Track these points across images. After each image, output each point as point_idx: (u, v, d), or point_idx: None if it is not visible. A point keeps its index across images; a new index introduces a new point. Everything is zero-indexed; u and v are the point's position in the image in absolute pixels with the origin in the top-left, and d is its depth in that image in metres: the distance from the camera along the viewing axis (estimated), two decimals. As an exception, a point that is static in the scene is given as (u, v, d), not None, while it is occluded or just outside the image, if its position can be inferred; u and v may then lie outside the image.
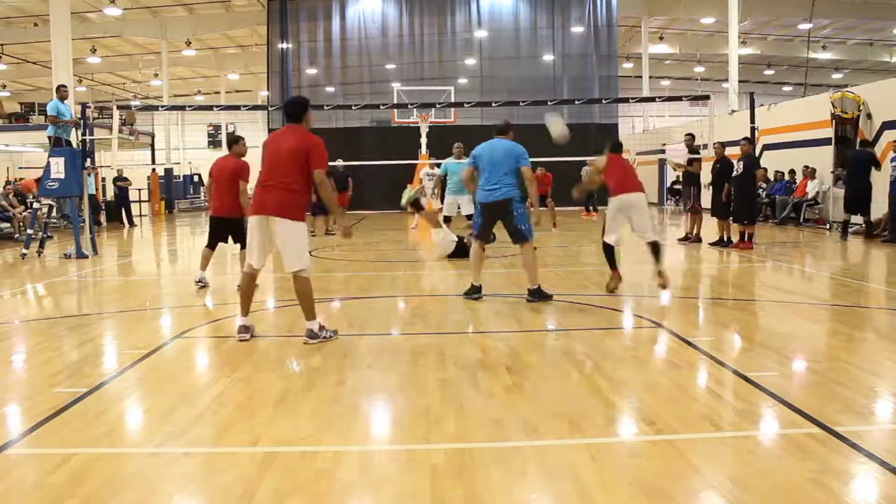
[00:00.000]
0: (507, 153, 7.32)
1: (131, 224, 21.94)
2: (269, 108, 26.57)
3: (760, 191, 15.74)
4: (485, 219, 7.49)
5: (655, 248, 7.70)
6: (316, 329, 5.66)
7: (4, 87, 37.14)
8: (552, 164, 16.90)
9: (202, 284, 8.42)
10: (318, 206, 16.24)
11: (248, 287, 5.87)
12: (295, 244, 5.62)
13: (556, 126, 8.26)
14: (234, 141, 8.37)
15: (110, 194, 24.51)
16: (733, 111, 21.29)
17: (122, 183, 22.17)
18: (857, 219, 13.84)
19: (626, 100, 19.20)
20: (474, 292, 7.52)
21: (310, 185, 5.64)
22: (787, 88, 39.60)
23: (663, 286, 7.60)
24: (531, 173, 7.45)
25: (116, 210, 22.31)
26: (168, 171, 28.83)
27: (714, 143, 12.73)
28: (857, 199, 13.27)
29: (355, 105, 21.34)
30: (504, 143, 7.43)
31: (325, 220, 16.44)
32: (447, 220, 12.96)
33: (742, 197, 11.90)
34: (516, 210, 7.26)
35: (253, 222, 5.71)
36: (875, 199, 13.39)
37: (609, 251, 7.84)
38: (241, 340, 5.72)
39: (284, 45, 27.71)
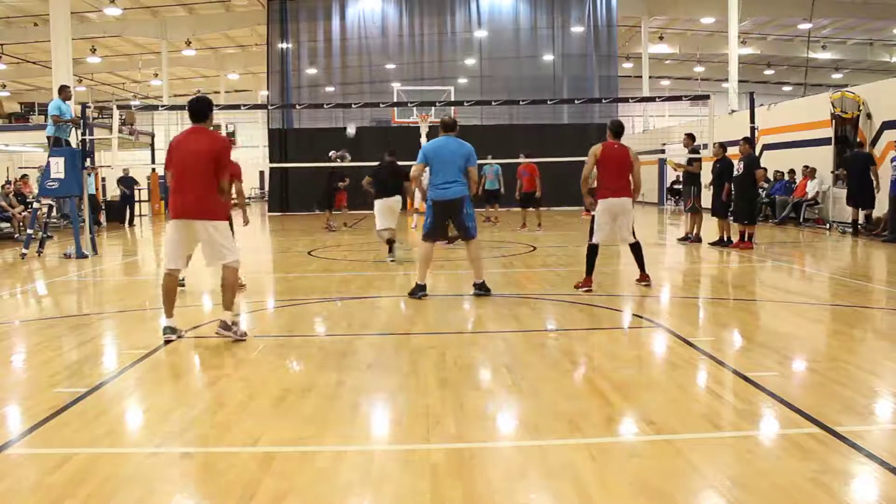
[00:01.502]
0: (458, 152, 7.48)
1: (131, 224, 21.93)
2: (269, 108, 26.67)
3: (761, 191, 15.75)
4: (438, 216, 7.61)
5: (637, 250, 8.07)
6: (229, 321, 5.73)
7: (4, 87, 37.15)
8: (552, 164, 16.89)
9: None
10: (326, 202, 16.62)
11: (172, 288, 5.87)
12: (220, 241, 5.75)
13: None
14: None
15: (111, 194, 24.53)
16: (733, 111, 21.29)
17: (122, 186, 22.20)
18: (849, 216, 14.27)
19: (625, 100, 19.16)
20: (419, 291, 7.58)
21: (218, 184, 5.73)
22: (787, 88, 39.59)
23: (647, 286, 8.02)
24: (476, 174, 7.72)
25: (121, 209, 22.25)
26: (168, 171, 28.80)
27: (714, 144, 12.74)
28: (860, 195, 13.71)
29: (355, 104, 21.33)
30: (456, 141, 7.58)
31: (329, 216, 16.75)
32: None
33: (742, 197, 11.91)
34: (467, 208, 7.52)
35: (176, 226, 5.76)
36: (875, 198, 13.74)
37: (592, 254, 7.92)
38: (167, 342, 5.72)
39: (284, 45, 27.70)
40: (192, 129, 5.83)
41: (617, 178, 7.82)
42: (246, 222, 8.53)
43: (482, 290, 7.64)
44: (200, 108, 5.82)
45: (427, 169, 7.64)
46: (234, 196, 7.99)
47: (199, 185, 5.65)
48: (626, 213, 7.93)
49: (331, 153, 16.79)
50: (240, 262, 5.90)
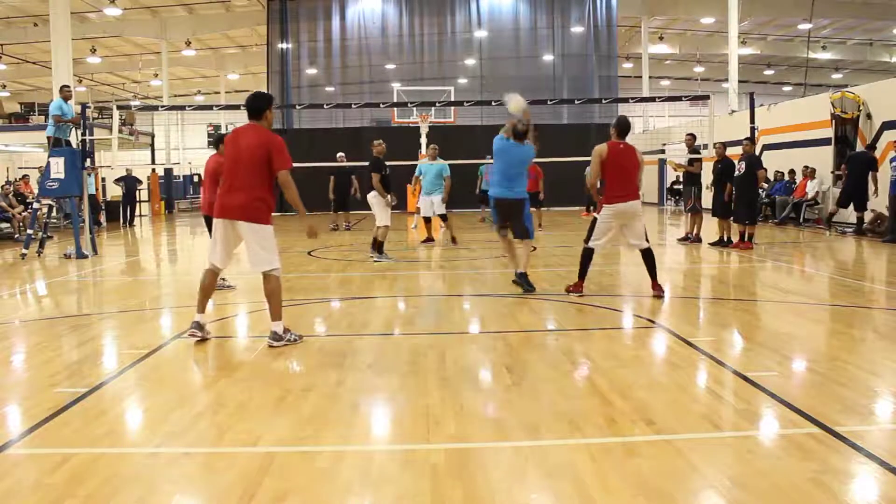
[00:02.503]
0: (527, 159, 7.84)
1: (131, 224, 21.94)
2: (269, 108, 26.65)
3: (761, 191, 15.77)
4: (499, 213, 7.95)
5: (649, 257, 7.53)
6: (280, 331, 5.56)
7: (4, 87, 37.14)
8: (552, 165, 16.87)
9: (224, 285, 8.31)
10: (338, 202, 16.57)
11: (209, 284, 5.76)
12: (261, 246, 5.49)
13: (514, 103, 8.06)
14: (222, 140, 8.29)
15: (111, 194, 24.53)
16: (733, 111, 21.29)
17: (118, 184, 22.21)
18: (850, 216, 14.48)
19: (625, 100, 19.14)
20: (523, 281, 7.83)
21: (272, 185, 5.54)
22: (787, 88, 39.61)
23: (659, 296, 7.41)
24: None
25: (123, 208, 22.25)
26: (168, 171, 28.83)
27: (715, 144, 12.74)
28: (855, 196, 13.87)
29: (355, 104, 21.34)
30: (527, 149, 7.85)
31: (347, 216, 16.77)
32: (427, 220, 13.26)
33: (743, 197, 11.90)
34: (525, 209, 7.87)
35: (217, 225, 5.61)
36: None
37: (587, 258, 7.58)
38: (191, 336, 5.66)
39: (284, 45, 27.71)
40: (248, 125, 5.68)
41: (625, 181, 7.34)
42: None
43: (523, 279, 7.78)
44: (256, 106, 5.65)
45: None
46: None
47: (246, 183, 5.45)
48: (636, 217, 7.47)
49: (338, 154, 16.73)
50: (280, 269, 5.62)
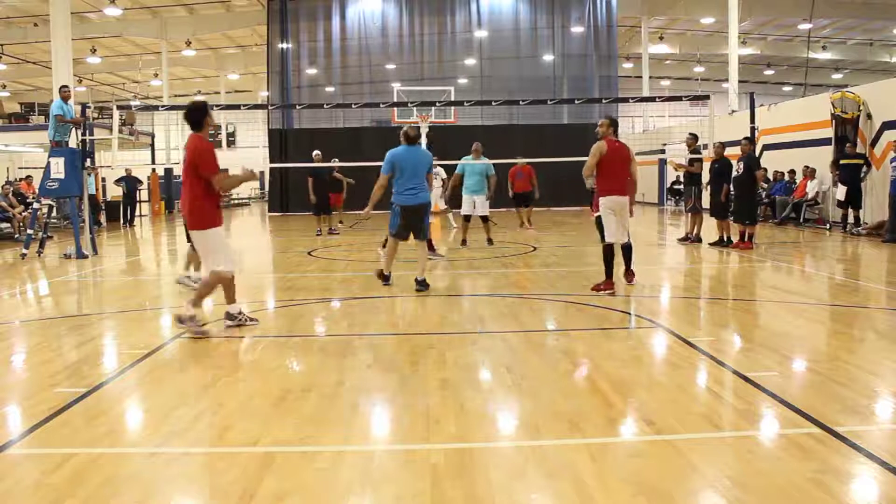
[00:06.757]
0: (425, 161, 8.17)
1: (131, 224, 21.94)
2: (269, 108, 26.67)
3: (761, 191, 15.76)
4: (405, 220, 8.20)
5: (628, 250, 8.12)
6: (187, 315, 5.94)
7: (4, 87, 37.15)
8: (552, 165, 16.88)
9: (187, 283, 8.23)
10: (321, 206, 16.09)
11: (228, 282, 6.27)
12: (204, 251, 6.02)
13: None
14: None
15: (111, 194, 24.54)
16: (733, 111, 21.29)
17: (118, 184, 22.20)
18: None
19: (625, 100, 19.14)
20: (383, 279, 8.36)
21: (209, 189, 5.87)
22: (787, 88, 39.60)
23: (630, 283, 8.10)
24: (432, 179, 8.50)
25: (123, 208, 22.25)
26: (168, 171, 28.82)
27: (714, 144, 12.74)
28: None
29: (355, 104, 21.32)
30: (423, 151, 8.26)
31: (329, 219, 16.37)
32: (467, 218, 12.89)
33: (742, 197, 11.91)
34: (427, 212, 8.26)
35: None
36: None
37: (609, 255, 7.80)
38: (227, 327, 6.22)
39: (284, 45, 27.70)
40: (189, 135, 6.01)
41: (620, 177, 7.85)
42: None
43: (424, 286, 8.12)
44: (194, 118, 5.94)
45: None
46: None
47: (187, 192, 5.89)
48: (625, 210, 7.95)
49: (314, 153, 16.27)
50: (223, 270, 6.00)
